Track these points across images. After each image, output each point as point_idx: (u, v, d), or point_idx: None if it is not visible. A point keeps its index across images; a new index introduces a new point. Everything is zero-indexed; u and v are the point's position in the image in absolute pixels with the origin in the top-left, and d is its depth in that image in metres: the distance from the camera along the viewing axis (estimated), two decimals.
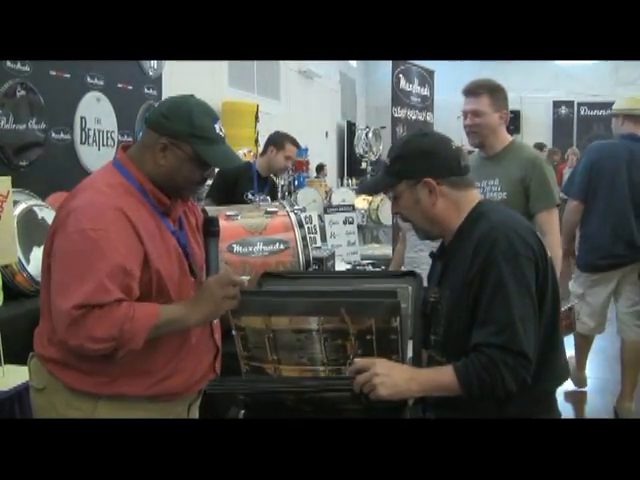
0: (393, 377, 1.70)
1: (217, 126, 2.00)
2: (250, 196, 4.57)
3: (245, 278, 2.90)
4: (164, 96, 6.04)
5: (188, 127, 1.94)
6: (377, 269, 4.96)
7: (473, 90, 3.25)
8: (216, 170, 2.11)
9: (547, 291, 1.82)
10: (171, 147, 1.96)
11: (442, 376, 1.74)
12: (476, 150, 3.44)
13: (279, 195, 8.08)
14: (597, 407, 4.89)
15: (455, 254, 1.89)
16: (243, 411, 1.89)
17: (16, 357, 2.63)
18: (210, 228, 2.18)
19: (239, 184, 4.56)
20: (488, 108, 3.23)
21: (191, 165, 1.97)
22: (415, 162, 1.89)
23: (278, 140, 4.77)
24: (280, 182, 8.82)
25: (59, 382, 1.98)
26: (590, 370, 5.30)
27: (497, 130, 3.29)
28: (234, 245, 3.04)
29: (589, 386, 5.17)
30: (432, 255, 2.07)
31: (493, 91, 3.27)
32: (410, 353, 1.88)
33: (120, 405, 1.96)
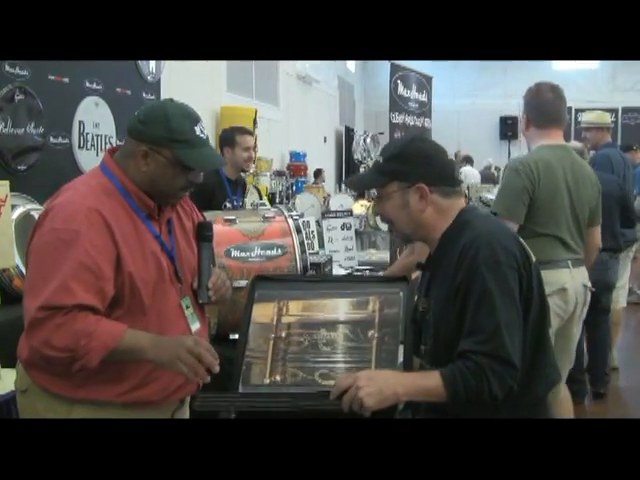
0: (377, 385, 1.69)
1: (197, 128, 1.96)
2: (228, 205, 4.49)
3: (242, 283, 2.93)
4: None
5: (166, 132, 1.92)
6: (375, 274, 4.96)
7: None
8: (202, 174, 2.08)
9: (533, 298, 1.83)
10: (152, 153, 1.94)
11: (428, 380, 1.73)
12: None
13: (277, 200, 8.10)
14: (594, 412, 4.91)
15: (439, 264, 1.90)
16: (234, 415, 1.89)
17: (13, 361, 2.62)
18: (203, 233, 2.16)
19: (216, 196, 4.44)
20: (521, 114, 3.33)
21: (174, 170, 1.95)
22: (412, 165, 1.88)
23: (228, 138, 4.60)
24: (278, 187, 8.84)
25: (38, 385, 1.97)
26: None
27: (525, 134, 3.33)
28: (232, 250, 3.04)
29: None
30: (419, 266, 2.06)
31: (526, 95, 3.31)
32: (400, 358, 1.88)
33: (95, 410, 1.93)
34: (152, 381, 1.97)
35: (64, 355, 1.81)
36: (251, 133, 4.76)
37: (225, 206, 4.44)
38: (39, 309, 1.80)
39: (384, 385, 1.70)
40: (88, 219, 1.86)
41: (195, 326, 2.08)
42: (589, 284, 3.24)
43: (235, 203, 4.48)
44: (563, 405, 3.26)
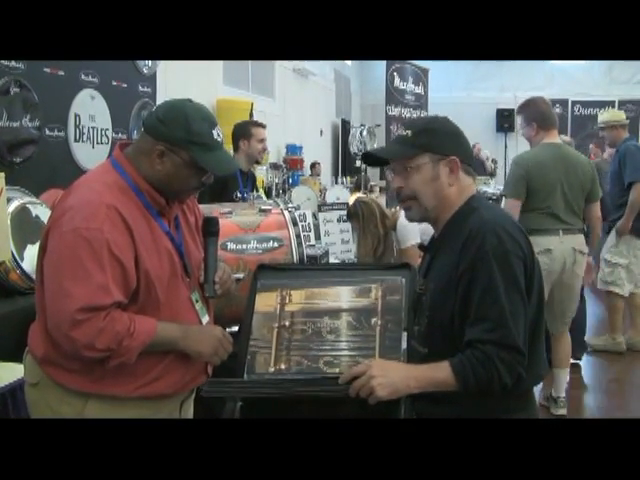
0: (390, 377, 1.72)
1: (215, 132, 1.99)
2: (239, 195, 4.54)
3: (238, 276, 2.93)
4: (158, 94, 6.02)
5: (185, 133, 1.94)
6: None
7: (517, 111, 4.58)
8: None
9: (533, 289, 1.84)
10: (168, 153, 1.96)
11: (439, 372, 1.76)
12: None
13: (273, 193, 8.08)
14: (590, 406, 4.93)
15: (442, 248, 1.91)
16: (240, 404, 1.90)
17: (9, 355, 2.63)
18: (209, 228, 2.20)
19: (228, 187, 4.52)
20: (523, 123, 4.46)
21: (188, 171, 1.98)
22: (445, 139, 1.91)
23: (243, 131, 4.75)
24: (274, 180, 8.82)
25: (51, 378, 1.98)
26: (579, 368, 5.56)
27: (534, 138, 4.42)
28: (228, 243, 3.04)
29: (578, 384, 5.30)
30: (421, 247, 2.11)
31: (525, 108, 4.45)
32: (404, 345, 1.89)
33: (109, 404, 1.96)
34: (166, 374, 2.02)
35: (104, 355, 1.87)
36: (264, 126, 4.91)
37: (236, 196, 4.49)
38: (79, 311, 1.82)
39: (397, 378, 1.72)
40: (109, 217, 1.87)
41: (205, 319, 2.14)
42: (580, 248, 4.34)
43: (245, 195, 4.51)
44: (563, 349, 4.49)
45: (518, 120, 4.54)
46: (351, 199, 7.75)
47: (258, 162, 4.95)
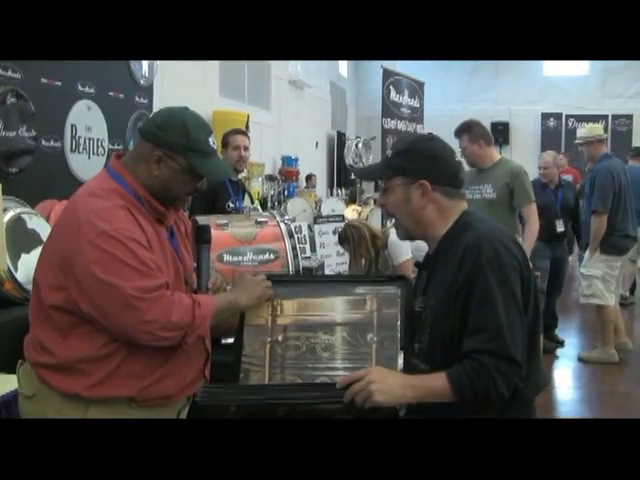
0: (389, 384, 1.72)
1: (211, 139, 2.04)
2: (231, 205, 4.52)
3: None
4: (155, 105, 6.03)
5: (184, 140, 1.97)
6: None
7: (455, 133, 4.71)
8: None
9: (529, 300, 1.85)
10: (166, 159, 1.98)
11: (435, 382, 1.76)
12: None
13: (269, 204, 8.09)
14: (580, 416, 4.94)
15: (440, 263, 1.91)
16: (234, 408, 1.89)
17: (4, 366, 2.62)
18: (202, 235, 2.22)
19: (219, 197, 4.49)
20: (468, 143, 4.66)
21: (185, 177, 2.01)
22: (417, 162, 1.92)
23: (224, 140, 4.69)
24: (270, 192, 8.84)
25: (50, 389, 1.97)
26: (572, 380, 5.64)
27: (479, 153, 4.68)
28: (224, 254, 3.04)
29: (571, 396, 5.34)
30: (417, 265, 2.10)
31: (469, 129, 4.67)
32: (401, 365, 1.88)
33: (110, 411, 1.94)
34: (168, 376, 2.02)
35: (179, 333, 1.91)
36: (242, 132, 4.84)
37: (229, 206, 4.47)
38: (137, 291, 1.85)
39: (395, 385, 1.73)
40: (126, 217, 1.92)
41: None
42: None
43: (238, 204, 4.50)
44: None
45: (461, 141, 4.69)
46: (346, 211, 7.79)
47: (237, 170, 4.84)
